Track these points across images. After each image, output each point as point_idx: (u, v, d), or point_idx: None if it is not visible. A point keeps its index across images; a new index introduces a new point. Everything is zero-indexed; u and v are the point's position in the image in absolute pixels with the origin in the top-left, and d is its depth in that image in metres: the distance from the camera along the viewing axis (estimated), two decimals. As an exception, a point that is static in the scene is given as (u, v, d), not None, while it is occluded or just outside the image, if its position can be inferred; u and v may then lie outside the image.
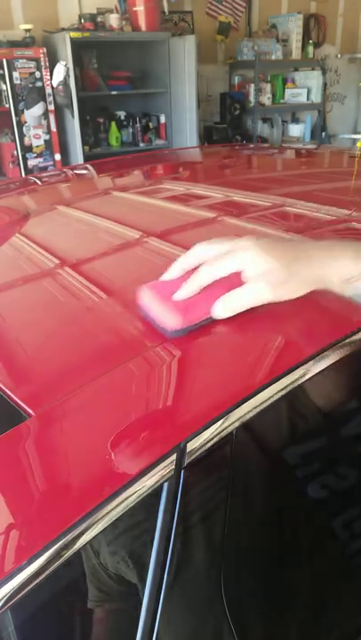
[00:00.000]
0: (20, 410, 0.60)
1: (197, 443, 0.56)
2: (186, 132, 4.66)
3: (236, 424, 0.59)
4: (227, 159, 2.30)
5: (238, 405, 0.59)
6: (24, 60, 3.92)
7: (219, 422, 0.57)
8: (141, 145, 4.68)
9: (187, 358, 0.67)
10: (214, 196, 1.41)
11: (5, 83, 3.90)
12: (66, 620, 0.56)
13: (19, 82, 3.94)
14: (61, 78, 4.00)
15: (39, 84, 4.01)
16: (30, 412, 0.59)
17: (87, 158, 4.22)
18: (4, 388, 0.63)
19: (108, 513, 0.50)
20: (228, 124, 5.05)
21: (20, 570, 0.45)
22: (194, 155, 2.64)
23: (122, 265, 1.00)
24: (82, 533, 0.48)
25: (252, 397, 0.60)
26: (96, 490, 0.51)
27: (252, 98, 5.10)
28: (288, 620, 0.71)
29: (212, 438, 0.57)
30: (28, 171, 4.09)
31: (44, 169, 4.13)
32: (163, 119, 4.77)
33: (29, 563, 0.46)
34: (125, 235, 1.11)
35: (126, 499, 0.51)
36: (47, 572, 0.47)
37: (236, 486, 0.62)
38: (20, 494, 0.52)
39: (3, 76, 3.88)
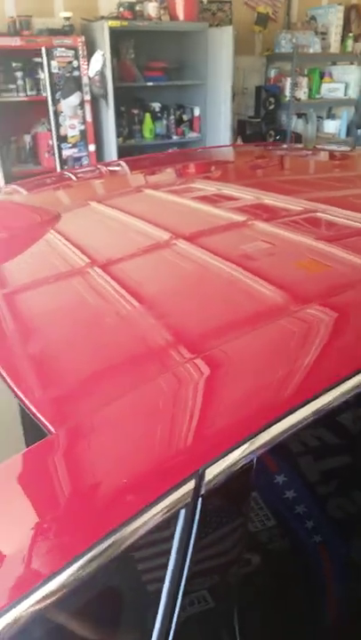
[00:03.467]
0: (41, 425, 0.61)
1: (217, 469, 0.54)
2: (220, 125, 4.65)
3: (260, 451, 0.56)
4: (259, 160, 2.31)
5: (262, 431, 0.57)
6: (62, 49, 3.95)
7: (241, 448, 0.55)
8: (175, 138, 4.68)
9: (211, 379, 0.66)
10: (246, 199, 1.42)
11: (44, 71, 3.94)
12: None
13: (57, 71, 3.98)
14: (98, 68, 4.03)
15: (76, 73, 4.04)
16: (51, 429, 0.60)
17: (120, 150, 4.25)
18: (27, 403, 0.65)
19: (119, 540, 0.49)
20: (262, 119, 5.00)
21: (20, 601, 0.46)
22: (226, 154, 2.65)
23: (151, 271, 1.01)
24: (91, 560, 0.48)
25: (277, 422, 0.58)
26: (108, 515, 0.50)
27: (287, 92, 5.04)
28: None
29: (234, 465, 0.55)
30: (63, 161, 4.14)
31: (78, 159, 4.18)
32: (197, 112, 4.76)
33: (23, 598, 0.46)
34: (157, 236, 1.14)
35: (139, 525, 0.50)
36: (50, 602, 0.46)
37: (257, 517, 0.61)
38: (34, 514, 0.52)
39: (41, 64, 3.92)
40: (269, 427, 0.58)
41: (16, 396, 0.68)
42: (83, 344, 0.79)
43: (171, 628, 0.52)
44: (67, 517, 0.52)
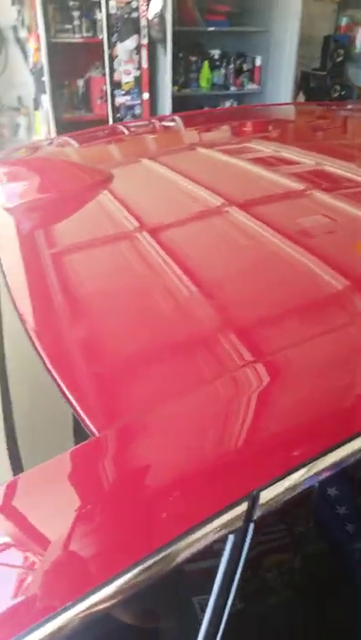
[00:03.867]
0: (85, 427, 0.58)
1: (273, 493, 0.49)
2: (281, 77, 4.38)
3: (323, 475, 0.51)
4: (322, 121, 2.17)
5: (327, 453, 0.51)
6: (122, -12, 3.77)
7: (302, 471, 0.50)
8: (232, 89, 4.45)
9: (274, 387, 0.60)
10: (304, 163, 1.33)
11: (101, 11, 3.77)
12: None
13: (115, 11, 3.80)
14: (158, 10, 3.83)
15: (135, 14, 3.85)
16: (95, 431, 0.57)
17: (175, 100, 4.08)
18: (74, 403, 0.61)
19: (158, 562, 0.46)
20: (328, 72, 4.69)
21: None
22: (288, 113, 2.50)
23: (208, 248, 0.93)
24: (129, 582, 0.45)
25: (344, 445, 0.52)
26: (150, 536, 0.47)
27: (358, 43, 4.69)
28: None
29: (292, 489, 0.50)
30: (115, 109, 4.01)
31: (131, 108, 4.04)
32: (258, 62, 4.49)
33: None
34: (213, 204, 1.06)
35: (182, 549, 0.46)
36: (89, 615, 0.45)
37: (314, 548, 0.57)
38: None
39: (99, 3, 3.75)
40: (337, 448, 0.52)
41: (62, 393, 0.64)
42: (132, 333, 0.73)
43: None
44: (108, 531, 0.50)
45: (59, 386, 0.65)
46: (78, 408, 0.61)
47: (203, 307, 0.75)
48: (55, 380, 0.66)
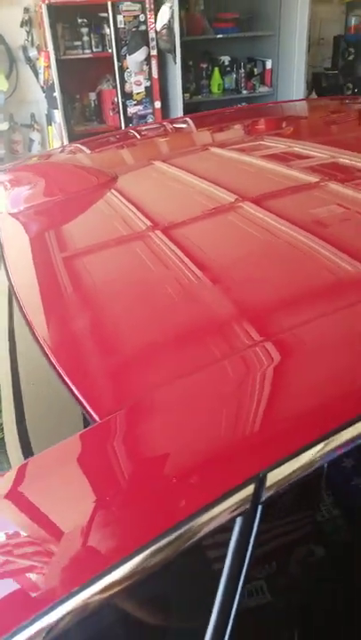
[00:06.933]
0: (86, 414, 0.57)
1: (281, 475, 0.47)
2: (293, 79, 4.37)
3: (332, 455, 0.49)
4: (335, 115, 2.13)
5: (335, 433, 0.50)
6: (129, 3, 3.81)
7: (311, 451, 0.48)
8: (244, 92, 4.45)
9: (282, 367, 0.59)
10: (318, 157, 1.30)
11: (109, 27, 3.82)
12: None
13: (122, 26, 3.84)
14: (165, 21, 3.86)
15: (143, 27, 3.89)
16: (96, 417, 0.56)
17: (187, 106, 4.09)
18: (75, 390, 0.60)
19: (163, 547, 0.44)
20: (340, 71, 4.66)
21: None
22: (299, 109, 2.46)
23: (217, 237, 0.93)
24: (138, 565, 0.44)
25: (353, 424, 0.50)
26: (155, 519, 0.46)
27: (369, 41, 4.66)
28: None
29: (300, 470, 0.48)
30: (128, 119, 4.04)
31: (144, 117, 4.06)
32: (269, 65, 4.49)
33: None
34: (224, 199, 1.05)
35: (188, 534, 0.45)
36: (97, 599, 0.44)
37: (324, 532, 0.55)
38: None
39: (107, 19, 3.80)
40: (346, 427, 0.50)
41: (63, 379, 0.63)
42: (141, 321, 0.73)
43: (225, 633, 0.48)
44: (116, 514, 0.48)
45: (66, 373, 0.64)
46: (85, 393, 0.60)
47: (210, 289, 0.75)
48: (61, 367, 0.64)
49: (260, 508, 0.47)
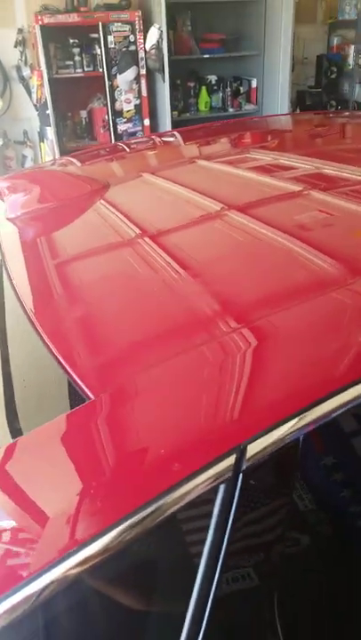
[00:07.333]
0: (80, 391, 0.61)
1: (260, 446, 0.51)
2: (277, 96, 4.50)
3: (307, 429, 0.53)
4: (318, 127, 2.22)
5: (310, 408, 0.53)
6: (119, 24, 3.93)
7: (287, 425, 0.52)
8: (231, 110, 4.58)
9: (259, 349, 0.63)
10: (303, 168, 1.36)
11: (100, 47, 3.93)
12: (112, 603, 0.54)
13: (113, 46, 3.96)
14: (154, 42, 3.98)
15: (132, 47, 4.01)
16: (90, 395, 0.59)
17: (175, 124, 4.20)
18: (69, 369, 0.64)
19: (153, 512, 0.48)
20: (323, 89, 4.81)
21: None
22: (283, 122, 2.56)
23: (199, 240, 0.98)
24: (126, 529, 0.47)
25: (327, 400, 0.54)
26: (144, 485, 0.49)
27: (351, 60, 4.82)
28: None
29: (277, 443, 0.52)
30: (118, 136, 4.14)
31: (133, 134, 4.17)
32: (254, 83, 4.62)
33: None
34: (208, 206, 1.10)
35: (177, 498, 0.48)
36: (86, 568, 0.46)
37: (300, 498, 0.58)
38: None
39: (98, 40, 3.92)
40: (318, 404, 0.55)
41: (58, 361, 0.67)
42: (129, 311, 0.78)
43: (208, 602, 0.51)
44: (104, 484, 0.52)
45: (56, 355, 0.69)
46: (74, 375, 0.64)
47: (192, 285, 0.80)
48: (52, 350, 0.70)
49: (240, 476, 0.51)
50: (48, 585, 0.46)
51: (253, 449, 0.51)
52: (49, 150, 4.12)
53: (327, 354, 0.61)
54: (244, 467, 0.50)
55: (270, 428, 0.52)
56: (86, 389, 0.61)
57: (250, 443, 0.51)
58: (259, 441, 0.51)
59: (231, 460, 0.50)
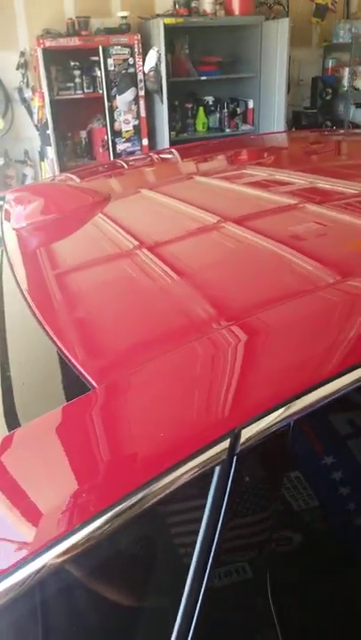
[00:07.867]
0: (84, 381, 0.63)
1: (253, 431, 0.54)
2: (273, 117, 4.59)
3: (296, 416, 0.56)
4: (313, 145, 2.26)
5: (301, 396, 0.56)
6: (119, 47, 4.03)
7: (278, 412, 0.55)
8: (227, 130, 4.66)
9: (252, 342, 0.67)
10: (298, 183, 1.38)
11: (100, 69, 4.03)
12: (110, 583, 0.55)
13: (112, 68, 4.06)
14: (153, 64, 4.07)
15: (132, 70, 4.11)
16: (93, 384, 0.62)
17: (173, 144, 4.28)
18: (72, 359, 0.67)
19: (153, 492, 0.50)
20: (319, 110, 4.90)
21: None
22: (279, 140, 2.61)
23: (194, 247, 1.01)
24: (120, 512, 0.48)
25: (317, 388, 0.57)
26: (144, 468, 0.51)
27: (345, 82, 4.92)
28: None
29: (269, 428, 0.55)
30: (117, 155, 4.21)
31: (132, 154, 4.24)
32: (251, 104, 4.72)
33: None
34: (203, 219, 1.12)
35: (174, 479, 0.50)
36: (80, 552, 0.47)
37: (290, 480, 0.60)
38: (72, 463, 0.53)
39: (98, 62, 4.01)
40: (308, 393, 0.57)
41: (65, 355, 0.70)
42: (130, 311, 0.81)
43: (202, 586, 0.52)
44: (102, 469, 0.54)
45: (62, 350, 0.71)
46: (78, 366, 0.67)
47: (187, 289, 0.84)
48: (58, 345, 0.72)
49: (235, 458, 0.54)
50: (39, 570, 0.47)
51: (247, 433, 0.54)
52: (49, 169, 4.19)
53: (318, 346, 0.64)
54: (238, 450, 0.53)
55: (263, 414, 0.55)
56: (90, 378, 0.64)
57: (244, 427, 0.54)
58: (252, 426, 0.54)
59: (226, 443, 0.53)
